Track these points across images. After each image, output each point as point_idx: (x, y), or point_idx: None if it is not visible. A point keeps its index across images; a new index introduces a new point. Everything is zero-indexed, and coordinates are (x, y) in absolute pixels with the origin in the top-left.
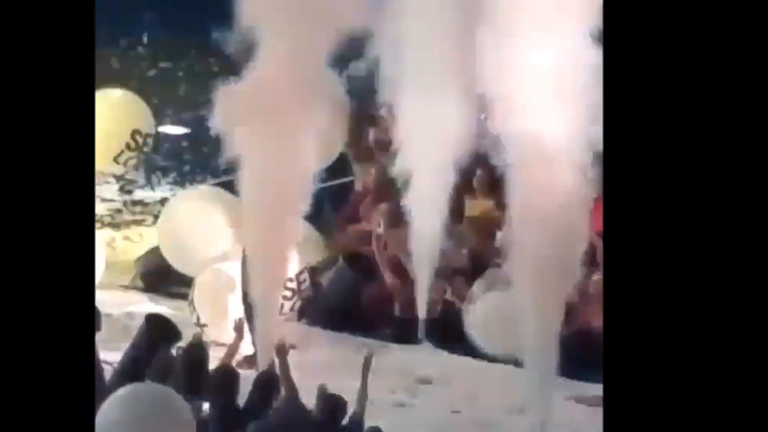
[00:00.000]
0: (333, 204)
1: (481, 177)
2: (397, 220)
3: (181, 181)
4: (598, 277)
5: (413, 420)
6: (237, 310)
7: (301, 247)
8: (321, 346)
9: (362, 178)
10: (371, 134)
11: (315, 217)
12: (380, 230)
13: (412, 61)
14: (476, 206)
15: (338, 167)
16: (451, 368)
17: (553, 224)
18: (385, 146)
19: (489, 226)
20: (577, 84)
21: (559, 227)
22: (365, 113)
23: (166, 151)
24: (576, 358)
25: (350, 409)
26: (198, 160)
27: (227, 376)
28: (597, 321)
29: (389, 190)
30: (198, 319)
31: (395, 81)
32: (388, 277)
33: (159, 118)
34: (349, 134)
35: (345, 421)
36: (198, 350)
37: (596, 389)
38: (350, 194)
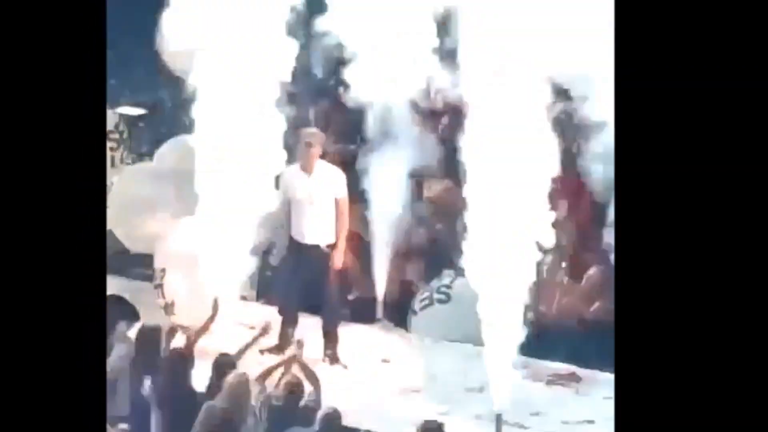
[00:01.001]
0: None
1: (439, 157)
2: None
3: (139, 161)
4: (554, 258)
5: (372, 399)
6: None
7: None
8: (278, 325)
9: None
10: (311, 113)
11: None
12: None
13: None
14: (434, 186)
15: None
16: (409, 347)
17: (513, 206)
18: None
19: (448, 206)
20: (541, 61)
21: (519, 208)
22: (317, 91)
23: (124, 132)
24: (535, 337)
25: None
26: (155, 140)
27: (180, 357)
28: (555, 301)
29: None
30: (166, 304)
31: (354, 57)
32: (346, 256)
33: (116, 100)
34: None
35: (302, 403)
36: (153, 331)
37: (554, 367)
38: None
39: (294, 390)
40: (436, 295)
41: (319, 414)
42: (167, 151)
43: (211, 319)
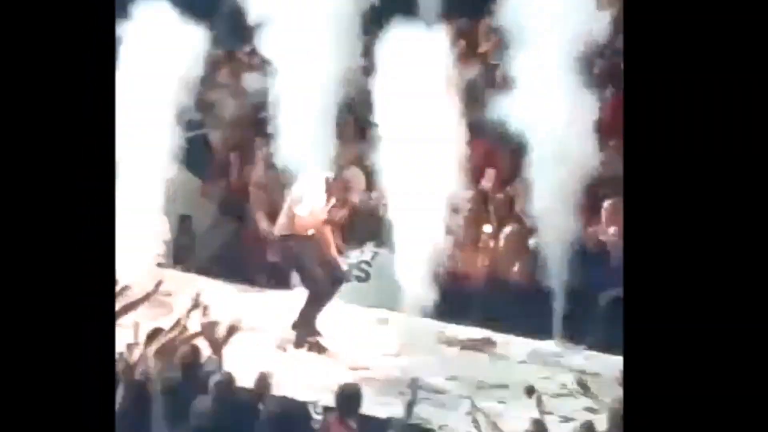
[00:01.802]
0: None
1: (349, 125)
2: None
3: None
4: (471, 221)
5: (288, 365)
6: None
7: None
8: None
9: (219, 128)
10: (219, 76)
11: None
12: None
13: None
14: (346, 157)
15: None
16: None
17: (424, 173)
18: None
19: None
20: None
21: (430, 175)
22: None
23: None
24: (450, 301)
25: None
26: None
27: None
28: (471, 266)
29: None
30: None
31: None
32: (263, 223)
33: None
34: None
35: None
36: None
37: (468, 332)
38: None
39: (190, 360)
40: (355, 272)
41: (213, 380)
42: None
43: (150, 294)
